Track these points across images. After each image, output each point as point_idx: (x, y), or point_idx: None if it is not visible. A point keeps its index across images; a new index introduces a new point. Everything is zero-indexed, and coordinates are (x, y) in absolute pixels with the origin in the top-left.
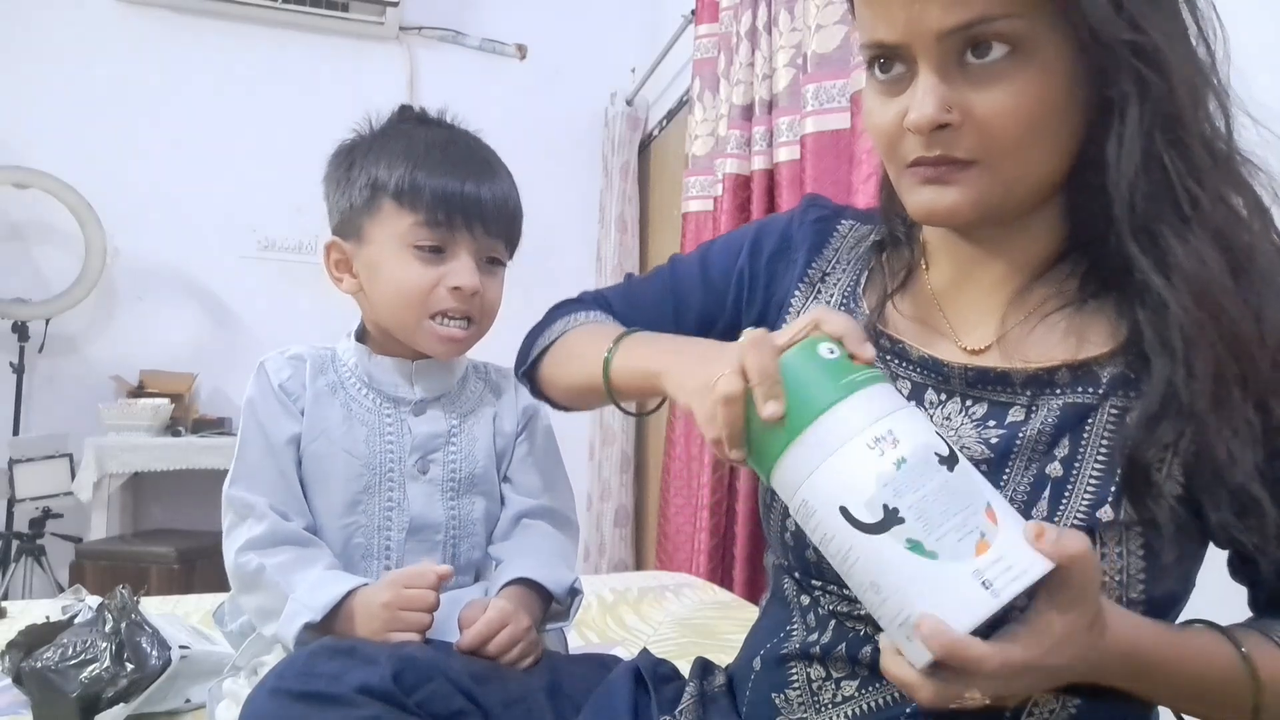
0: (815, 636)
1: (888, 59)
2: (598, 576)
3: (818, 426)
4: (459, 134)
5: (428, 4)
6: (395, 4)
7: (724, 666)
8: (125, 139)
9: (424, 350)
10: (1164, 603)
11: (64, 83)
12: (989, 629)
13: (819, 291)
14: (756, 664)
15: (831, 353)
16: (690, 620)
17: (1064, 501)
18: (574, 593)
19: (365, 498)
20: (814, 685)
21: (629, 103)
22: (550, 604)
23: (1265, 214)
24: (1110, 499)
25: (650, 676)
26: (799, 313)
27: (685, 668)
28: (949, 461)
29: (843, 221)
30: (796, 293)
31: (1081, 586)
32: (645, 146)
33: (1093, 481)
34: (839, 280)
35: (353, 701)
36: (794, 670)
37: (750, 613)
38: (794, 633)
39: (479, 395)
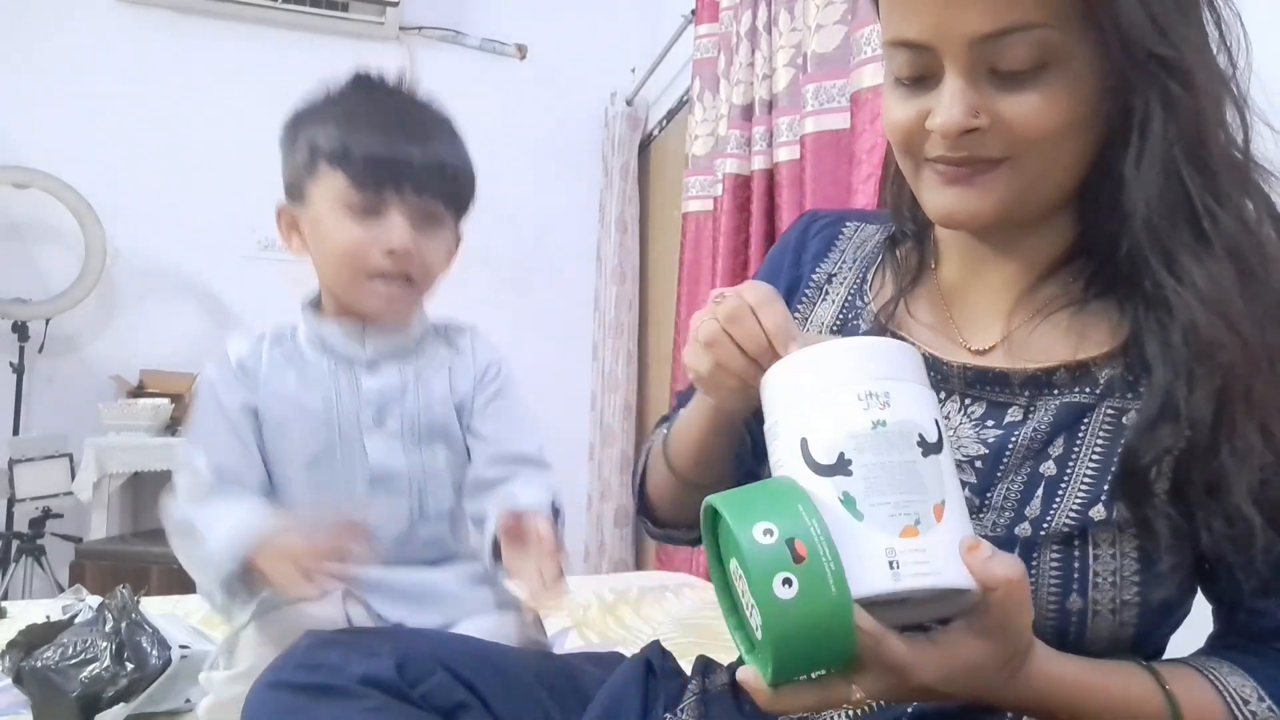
0: None
1: (912, 58)
2: (598, 576)
3: (820, 355)
4: (404, 98)
5: (427, 4)
6: (395, 4)
7: (726, 665)
8: (125, 139)
9: (366, 311)
10: (1160, 609)
11: (64, 83)
12: (902, 631)
13: (825, 294)
14: None
15: None
16: (690, 620)
17: (1057, 500)
18: (557, 511)
19: (326, 455)
20: None
21: (629, 102)
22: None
23: (1278, 221)
24: (1104, 498)
25: (659, 669)
26: (805, 317)
27: (688, 667)
28: (927, 448)
29: (847, 224)
30: (804, 297)
31: (1002, 617)
32: (645, 146)
33: (1086, 481)
34: (845, 280)
35: (356, 693)
36: None
37: None
38: None
39: (434, 352)
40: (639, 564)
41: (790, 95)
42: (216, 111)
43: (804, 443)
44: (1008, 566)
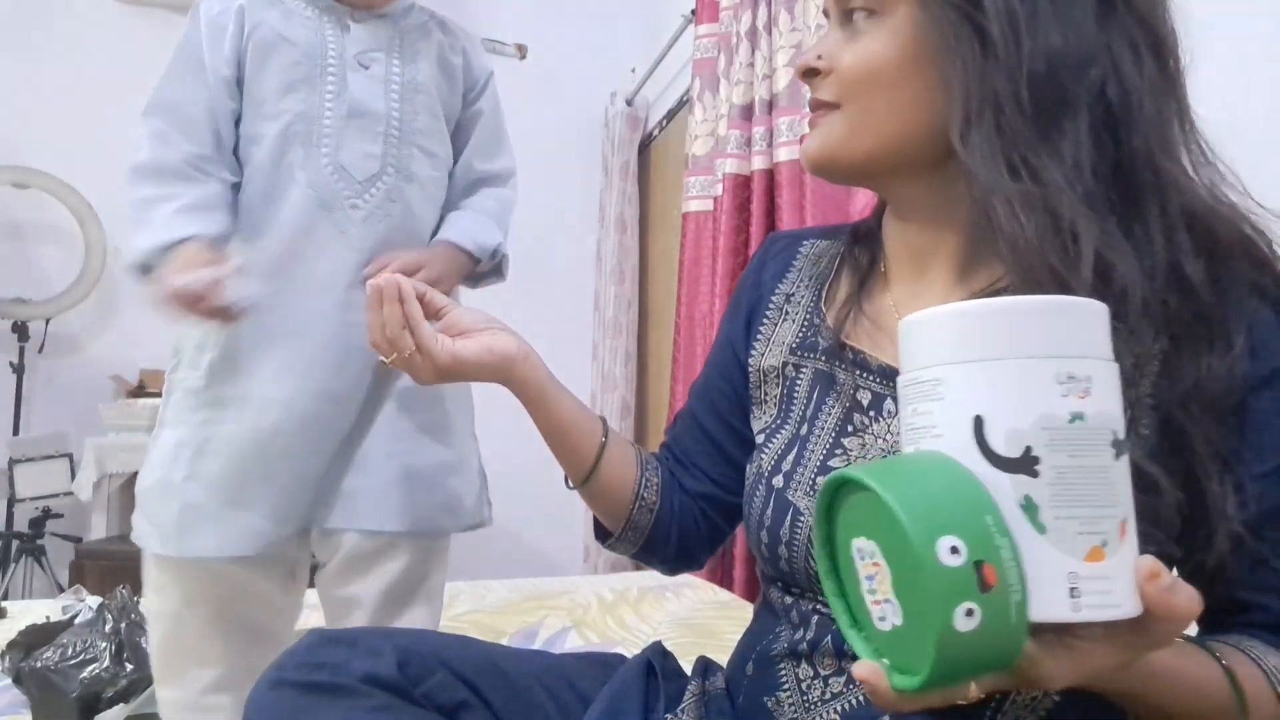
0: (800, 634)
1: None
2: (598, 576)
3: (1010, 310)
4: None
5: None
6: None
7: (725, 666)
8: (126, 139)
9: None
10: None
11: (64, 83)
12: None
13: (786, 314)
14: (749, 668)
15: None
16: (690, 620)
17: None
18: (497, 254)
19: (304, 86)
20: (803, 685)
21: (629, 102)
22: (476, 265)
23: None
24: None
25: (661, 670)
26: (768, 337)
27: (688, 667)
28: (1119, 449)
29: (804, 243)
30: (766, 319)
31: (1154, 642)
32: (645, 146)
33: None
34: (802, 299)
35: (359, 691)
36: (783, 671)
37: (749, 613)
38: (781, 634)
39: (426, 28)
40: (638, 564)
41: (790, 95)
42: None
43: (979, 421)
44: (1188, 600)
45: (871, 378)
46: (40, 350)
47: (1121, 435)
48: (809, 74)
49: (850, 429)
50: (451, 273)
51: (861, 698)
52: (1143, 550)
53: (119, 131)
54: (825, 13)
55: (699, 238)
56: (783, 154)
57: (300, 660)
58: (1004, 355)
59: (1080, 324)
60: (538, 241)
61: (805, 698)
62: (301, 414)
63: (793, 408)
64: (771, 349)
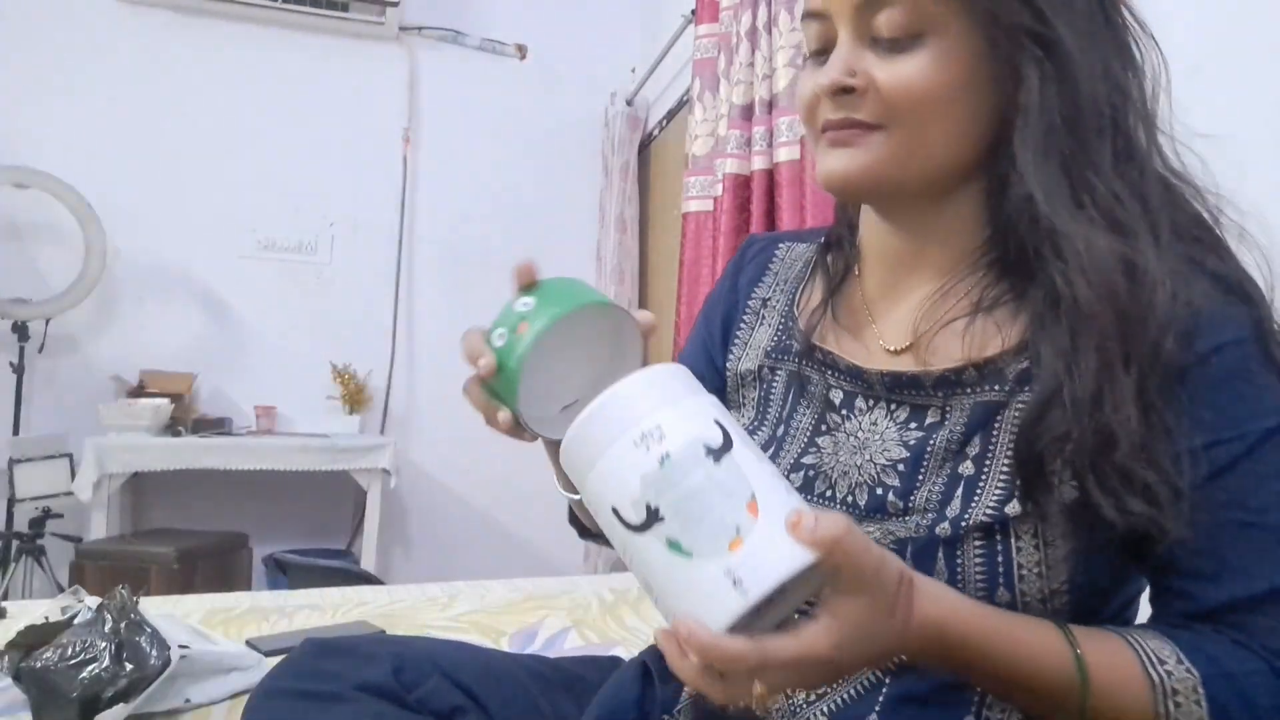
0: None
1: (816, 31)
2: (598, 576)
3: (583, 424)
4: None
5: (427, 4)
6: (395, 4)
7: None
8: (125, 139)
9: None
10: (1093, 595)
11: (64, 83)
12: (781, 622)
13: (762, 317)
14: None
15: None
16: None
17: (975, 499)
18: None
19: None
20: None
21: (629, 102)
22: None
23: (1178, 213)
24: (1018, 494)
25: (657, 672)
26: (745, 341)
27: None
28: (718, 453)
29: (780, 246)
30: (743, 323)
31: (855, 570)
32: (645, 146)
33: (1002, 477)
34: (777, 303)
35: (354, 699)
36: None
37: None
38: None
39: None
40: None
41: (790, 95)
42: (216, 111)
43: (615, 511)
44: (831, 525)
45: (841, 378)
46: (40, 350)
47: (716, 441)
48: (842, 93)
49: (824, 428)
50: None
51: (845, 696)
52: (1155, 560)
53: (119, 132)
54: (817, 15)
55: (699, 238)
56: (783, 154)
57: (297, 669)
58: (598, 455)
59: (633, 395)
60: (538, 241)
61: (790, 701)
62: None
63: (769, 410)
64: (749, 353)
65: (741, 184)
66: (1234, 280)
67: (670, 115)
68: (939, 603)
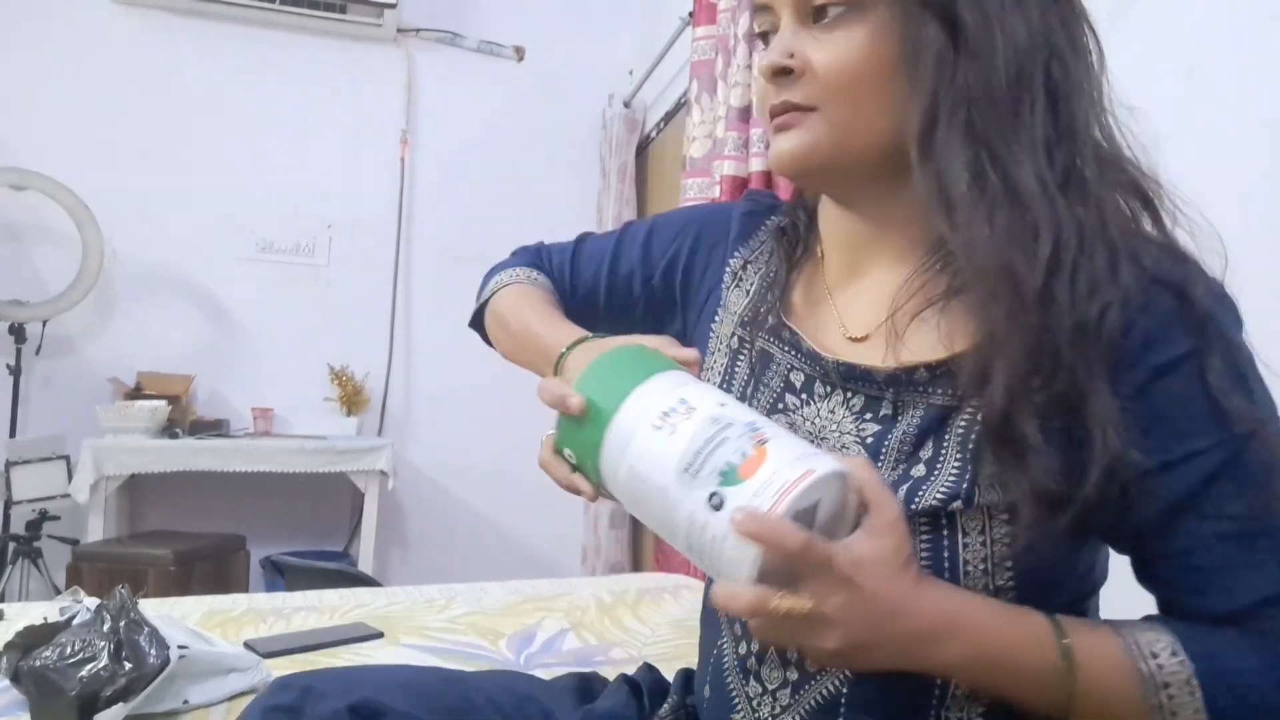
0: (744, 647)
1: (762, 18)
2: (595, 578)
3: (615, 425)
4: None
5: (425, 6)
6: (393, 6)
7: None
8: (123, 140)
9: None
10: (1040, 589)
11: (61, 84)
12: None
13: (740, 281)
14: (706, 692)
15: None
16: (688, 623)
17: (918, 498)
18: None
19: None
20: (754, 703)
21: (626, 104)
22: None
23: (1117, 190)
24: (962, 495)
25: (647, 690)
26: (721, 304)
27: None
28: (727, 401)
29: (773, 216)
30: (723, 285)
31: (876, 489)
32: (643, 148)
33: (950, 478)
34: (759, 269)
35: None
36: (734, 692)
37: None
38: (725, 648)
39: None
40: (636, 566)
41: None
42: (214, 113)
43: (667, 491)
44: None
45: (804, 360)
46: (37, 352)
47: (725, 398)
48: (780, 74)
49: (781, 407)
50: None
51: (812, 702)
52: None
53: (117, 133)
54: (763, 7)
55: None
56: None
57: (263, 705)
58: (623, 448)
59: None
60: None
61: (757, 715)
62: None
63: (733, 384)
64: (726, 317)
65: (739, 186)
66: (1173, 251)
67: (668, 117)
68: (935, 581)
